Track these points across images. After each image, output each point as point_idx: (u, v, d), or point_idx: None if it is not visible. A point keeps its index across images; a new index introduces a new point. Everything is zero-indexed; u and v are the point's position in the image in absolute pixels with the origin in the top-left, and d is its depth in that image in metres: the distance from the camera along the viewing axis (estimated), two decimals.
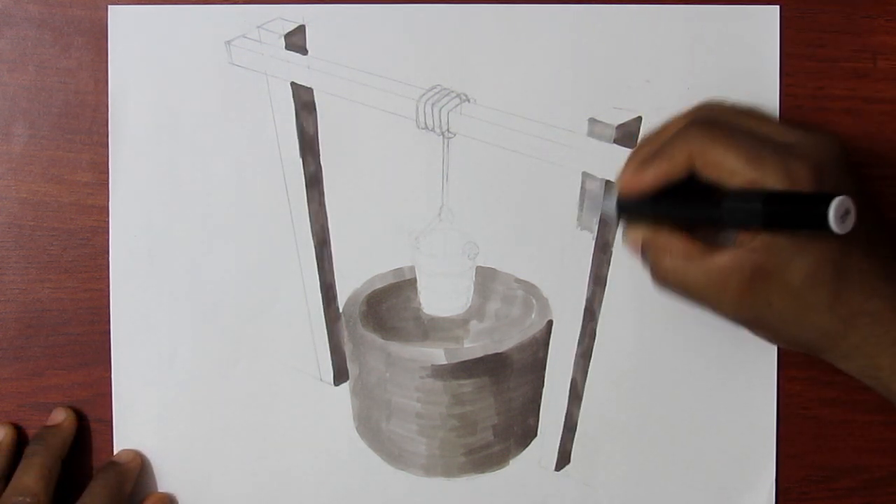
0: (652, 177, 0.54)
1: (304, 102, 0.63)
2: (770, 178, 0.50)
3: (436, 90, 0.62)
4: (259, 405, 0.64)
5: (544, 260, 0.64)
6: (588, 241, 0.62)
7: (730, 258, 0.52)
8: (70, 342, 0.64)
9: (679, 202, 0.54)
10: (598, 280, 0.63)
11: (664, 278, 0.55)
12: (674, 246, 0.54)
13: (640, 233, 0.56)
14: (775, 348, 0.63)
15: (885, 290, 0.52)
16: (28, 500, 0.58)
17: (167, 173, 0.64)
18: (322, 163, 0.64)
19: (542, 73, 0.63)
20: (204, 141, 0.64)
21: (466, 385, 0.64)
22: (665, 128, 0.57)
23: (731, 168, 0.51)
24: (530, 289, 0.65)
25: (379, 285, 0.65)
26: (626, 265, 0.62)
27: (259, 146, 0.64)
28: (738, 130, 0.53)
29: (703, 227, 0.54)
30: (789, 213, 0.49)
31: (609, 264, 0.63)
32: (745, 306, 0.53)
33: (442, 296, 0.65)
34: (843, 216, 0.47)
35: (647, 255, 0.56)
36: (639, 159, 0.55)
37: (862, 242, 0.50)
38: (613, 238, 0.62)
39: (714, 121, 0.54)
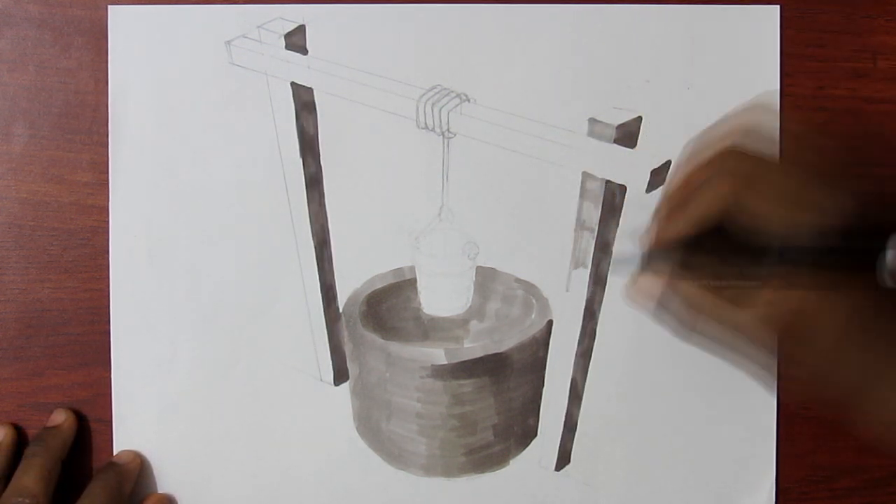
0: (685, 223, 0.53)
1: (304, 102, 0.63)
2: (813, 212, 0.50)
3: (436, 90, 0.62)
4: (259, 405, 0.64)
5: (544, 260, 0.64)
6: (588, 241, 0.62)
7: (758, 316, 0.51)
8: (70, 342, 0.64)
9: (709, 254, 0.53)
10: (598, 280, 0.63)
11: (689, 330, 0.54)
12: (699, 300, 0.53)
13: (658, 283, 0.55)
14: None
15: None
16: (28, 500, 0.58)
17: (167, 173, 0.64)
18: (322, 163, 0.64)
19: (542, 73, 0.63)
20: (204, 141, 0.64)
21: (466, 385, 0.64)
22: (691, 174, 0.55)
23: (769, 208, 0.51)
24: (530, 289, 0.65)
25: (379, 285, 0.65)
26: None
27: (259, 146, 0.64)
28: (771, 170, 0.52)
29: (727, 284, 0.53)
30: (843, 253, 0.48)
31: (609, 264, 0.63)
32: (772, 362, 0.53)
33: (442, 296, 0.65)
34: None
35: (667, 306, 0.55)
36: (669, 206, 0.55)
37: (889, 291, 0.50)
38: (613, 238, 0.62)
39: (745, 165, 0.53)
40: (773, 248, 0.50)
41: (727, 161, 0.54)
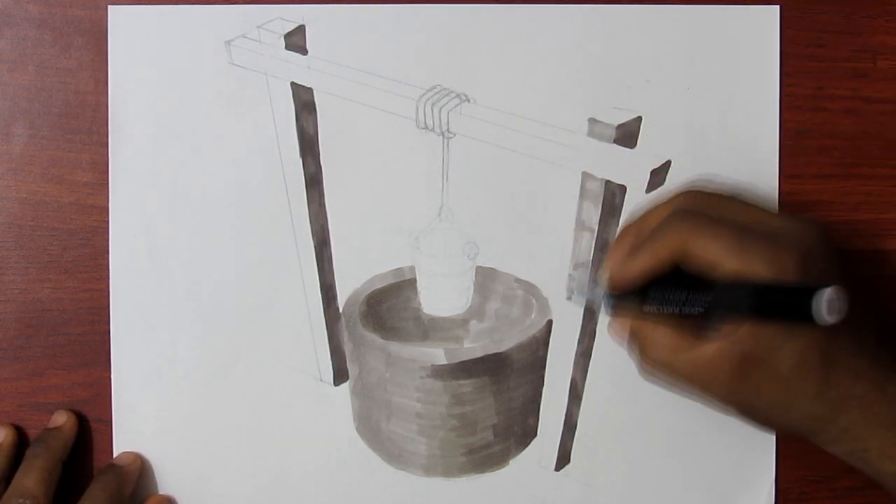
0: (638, 270, 0.53)
1: (304, 102, 0.63)
2: (756, 267, 0.50)
3: (436, 90, 0.62)
4: (259, 405, 0.64)
5: (544, 260, 0.64)
6: (588, 241, 0.62)
7: (717, 348, 0.52)
8: (70, 342, 0.64)
9: (666, 293, 0.53)
10: (598, 280, 0.63)
11: (651, 369, 0.55)
12: (660, 337, 0.54)
13: (627, 323, 0.56)
14: None
15: (872, 373, 0.52)
16: (28, 502, 0.58)
17: (167, 173, 0.64)
18: (322, 163, 0.64)
19: (542, 73, 0.63)
20: (204, 141, 0.64)
21: (466, 385, 0.64)
22: (648, 214, 0.56)
23: (716, 259, 0.51)
24: (530, 289, 0.65)
25: (379, 285, 0.65)
26: None
27: (259, 146, 0.64)
28: (721, 219, 0.53)
29: (690, 316, 0.53)
30: (778, 306, 0.49)
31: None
32: (734, 394, 0.53)
33: (442, 296, 0.66)
34: (832, 306, 0.47)
35: (634, 345, 0.56)
36: (623, 250, 0.55)
37: (848, 326, 0.49)
38: (613, 238, 0.63)
39: (697, 210, 0.54)
40: (722, 287, 0.51)
41: (682, 203, 0.55)
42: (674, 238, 0.53)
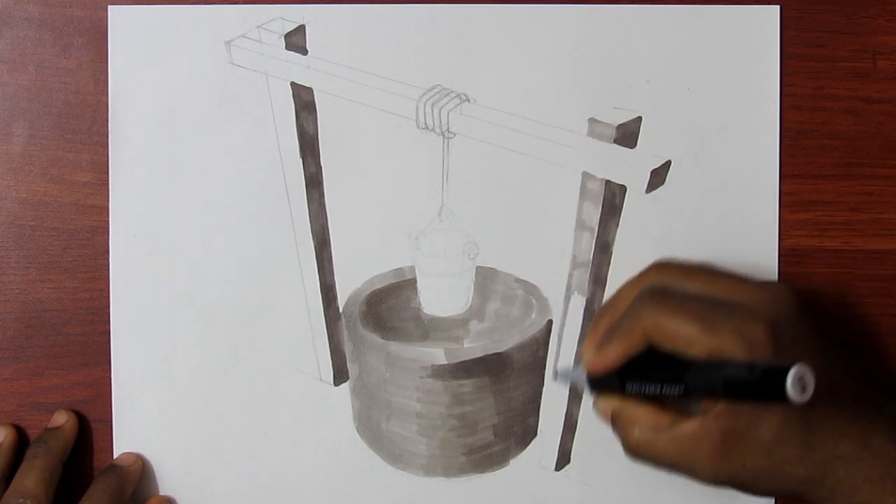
0: (613, 355, 0.54)
1: (304, 102, 0.63)
2: (727, 343, 0.51)
3: (436, 90, 0.62)
4: (259, 405, 0.64)
5: (544, 260, 0.64)
6: (588, 241, 0.62)
7: (698, 425, 0.52)
8: (70, 342, 0.64)
9: (644, 374, 0.54)
10: (598, 280, 0.63)
11: (634, 450, 0.55)
12: (642, 418, 0.55)
13: (610, 404, 0.56)
14: None
15: (853, 430, 0.52)
16: (28, 502, 0.58)
17: (167, 173, 0.64)
18: (322, 163, 0.64)
19: (542, 73, 0.63)
20: (204, 141, 0.64)
21: (466, 385, 0.64)
22: (618, 295, 0.57)
23: (686, 339, 0.52)
24: (530, 289, 0.65)
25: (379, 285, 0.65)
26: (627, 265, 0.62)
27: (259, 146, 0.64)
28: (689, 297, 0.53)
29: (670, 396, 0.54)
30: (750, 388, 0.49)
31: (609, 264, 0.63)
32: (719, 470, 0.53)
33: (442, 296, 0.65)
34: (801, 383, 0.47)
35: (617, 426, 0.56)
36: (598, 334, 0.56)
37: (826, 388, 0.50)
38: (613, 238, 0.63)
39: (664, 290, 0.54)
40: (696, 370, 0.51)
41: (649, 280, 0.55)
42: (644, 320, 0.53)
